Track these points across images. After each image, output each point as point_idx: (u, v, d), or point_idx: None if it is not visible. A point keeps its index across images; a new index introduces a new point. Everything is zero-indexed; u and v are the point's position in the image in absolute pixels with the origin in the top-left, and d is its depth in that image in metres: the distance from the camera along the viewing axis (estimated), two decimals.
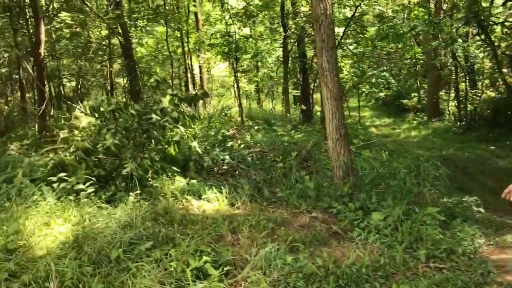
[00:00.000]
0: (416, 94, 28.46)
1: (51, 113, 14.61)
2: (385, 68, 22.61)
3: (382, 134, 21.64)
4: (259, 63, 21.16)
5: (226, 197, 6.00)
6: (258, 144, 8.95)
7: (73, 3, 12.25)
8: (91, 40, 14.43)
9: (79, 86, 19.25)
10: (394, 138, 20.10)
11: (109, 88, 15.18)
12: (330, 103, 6.50)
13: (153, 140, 7.04)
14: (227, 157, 8.15)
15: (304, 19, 14.92)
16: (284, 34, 13.34)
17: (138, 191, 5.90)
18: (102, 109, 6.93)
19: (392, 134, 22.02)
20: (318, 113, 18.36)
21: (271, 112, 19.15)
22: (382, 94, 25.65)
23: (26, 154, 8.40)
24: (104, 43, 14.84)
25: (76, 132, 8.84)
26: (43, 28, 11.15)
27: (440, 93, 25.07)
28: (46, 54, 13.38)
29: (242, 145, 9.10)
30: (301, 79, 16.80)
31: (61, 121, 12.15)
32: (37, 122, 11.45)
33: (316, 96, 20.73)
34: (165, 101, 6.90)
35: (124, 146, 6.78)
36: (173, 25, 16.10)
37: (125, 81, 17.35)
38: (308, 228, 5.35)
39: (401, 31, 14.52)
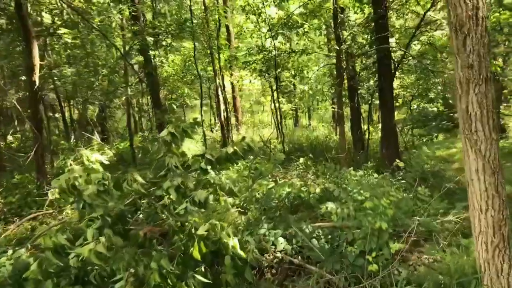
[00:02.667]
0: None
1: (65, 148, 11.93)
2: (437, 80, 19.31)
3: (441, 157, 18.22)
4: (297, 79, 18.15)
5: None
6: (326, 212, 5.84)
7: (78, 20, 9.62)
8: (99, 62, 11.70)
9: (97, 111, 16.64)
10: (458, 161, 16.67)
11: (127, 117, 12.32)
12: (483, 179, 3.41)
13: (164, 236, 4.11)
14: (283, 241, 5.13)
15: (356, 29, 11.84)
16: (338, 47, 10.25)
17: None
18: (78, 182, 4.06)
19: (451, 157, 18.55)
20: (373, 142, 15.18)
21: (317, 138, 16.07)
22: (434, 109, 22.23)
23: None
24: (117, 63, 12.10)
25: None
26: (36, 51, 8.45)
27: (501, 107, 21.42)
28: (44, 80, 10.75)
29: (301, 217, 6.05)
30: (351, 101, 13.68)
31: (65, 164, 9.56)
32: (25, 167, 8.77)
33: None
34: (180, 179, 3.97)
35: (117, 250, 3.87)
36: (202, 40, 13.29)
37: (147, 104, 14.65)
38: None
39: None
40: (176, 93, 18.37)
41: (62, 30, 8.33)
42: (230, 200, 6.58)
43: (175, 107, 18.62)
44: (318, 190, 5.64)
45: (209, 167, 4.48)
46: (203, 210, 4.08)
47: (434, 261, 4.53)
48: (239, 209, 6.36)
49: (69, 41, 8.67)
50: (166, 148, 4.37)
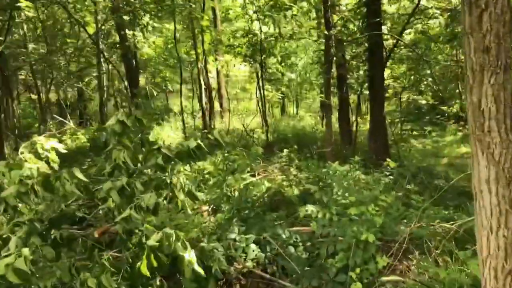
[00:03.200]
0: (458, 100, 24.28)
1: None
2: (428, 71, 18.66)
3: (429, 151, 17.65)
4: (283, 66, 17.41)
5: None
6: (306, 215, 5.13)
7: None
8: (67, 40, 10.69)
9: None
10: (447, 157, 16.14)
11: (99, 100, 11.44)
12: (495, 191, 2.74)
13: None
14: (255, 249, 4.44)
15: (347, 14, 11.12)
16: (327, 32, 9.53)
17: None
18: None
19: (439, 150, 17.99)
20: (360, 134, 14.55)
21: (303, 128, 15.39)
22: (423, 102, 21.65)
23: None
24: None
25: None
26: None
27: None
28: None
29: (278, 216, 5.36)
30: (340, 90, 13.01)
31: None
32: None
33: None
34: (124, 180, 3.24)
35: (47, 263, 3.15)
36: (184, 21, 12.46)
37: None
38: None
39: None
40: (158, 77, 17.47)
41: (23, 3, 7.44)
42: (201, 195, 5.87)
43: (154, 92, 17.70)
44: (296, 191, 4.91)
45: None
46: (152, 217, 3.37)
47: (428, 277, 3.88)
48: (208, 209, 5.65)
49: (30, 15, 7.75)
50: (115, 139, 3.62)
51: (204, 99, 14.12)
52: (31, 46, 10.55)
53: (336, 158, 10.63)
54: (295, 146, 11.45)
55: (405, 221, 4.68)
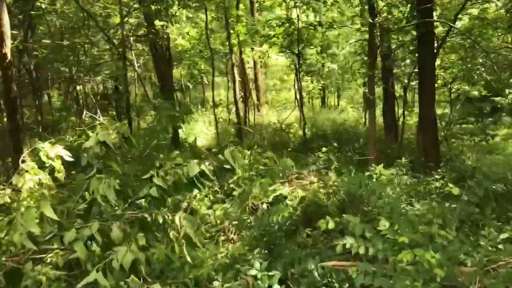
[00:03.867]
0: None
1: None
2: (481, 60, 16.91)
3: (482, 147, 16.01)
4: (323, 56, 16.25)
5: None
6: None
7: None
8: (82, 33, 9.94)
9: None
10: (503, 154, 14.52)
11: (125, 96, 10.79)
12: None
13: None
14: None
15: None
16: (371, 20, 8.41)
17: None
18: None
19: (493, 147, 16.28)
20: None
21: (345, 123, 14.27)
22: (475, 93, 19.83)
23: None
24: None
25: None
26: (5, 16, 6.98)
27: None
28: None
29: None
30: (385, 83, 11.84)
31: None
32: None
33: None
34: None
35: None
36: (217, 10, 11.64)
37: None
38: None
39: None
40: (194, 69, 16.73)
41: None
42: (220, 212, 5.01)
43: (190, 85, 17.08)
44: (331, 224, 3.95)
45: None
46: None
47: None
48: (227, 229, 4.79)
49: (43, 6, 7.09)
50: (99, 163, 2.80)
51: (239, 92, 13.32)
52: (45, 41, 10.00)
53: (380, 158, 9.58)
54: (335, 144, 10.47)
55: (468, 259, 3.62)
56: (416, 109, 18.30)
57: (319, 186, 7.19)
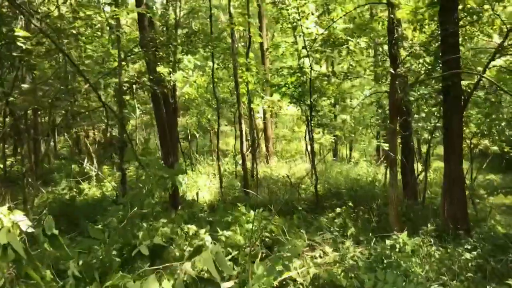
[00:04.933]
0: None
1: None
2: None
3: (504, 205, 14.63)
4: (338, 108, 15.35)
5: None
6: None
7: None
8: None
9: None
10: None
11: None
12: None
13: None
14: None
15: (418, 48, 9.05)
16: (392, 71, 7.51)
17: None
18: None
19: None
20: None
21: (359, 179, 13.14)
22: (496, 148, 18.59)
23: None
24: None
25: None
26: None
27: None
28: None
29: None
30: (403, 138, 10.83)
31: None
32: None
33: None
34: None
35: None
36: (222, 57, 10.95)
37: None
38: None
39: None
40: (202, 118, 15.98)
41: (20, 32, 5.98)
42: None
43: (197, 134, 16.28)
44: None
45: None
46: None
47: None
48: None
49: (24, 47, 6.29)
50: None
51: (246, 144, 12.41)
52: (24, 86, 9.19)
53: (402, 223, 8.40)
54: (350, 204, 9.36)
55: None
56: (434, 164, 17.25)
57: (335, 261, 6.04)
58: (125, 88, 9.09)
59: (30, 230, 3.97)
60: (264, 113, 17.40)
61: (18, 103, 9.19)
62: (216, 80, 12.73)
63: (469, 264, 6.64)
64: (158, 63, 9.14)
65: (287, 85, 10.92)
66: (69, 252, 3.00)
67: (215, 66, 11.98)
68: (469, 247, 7.13)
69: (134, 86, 9.74)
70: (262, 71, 14.02)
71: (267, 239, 6.20)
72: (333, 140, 16.77)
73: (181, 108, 16.65)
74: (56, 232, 2.32)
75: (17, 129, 9.65)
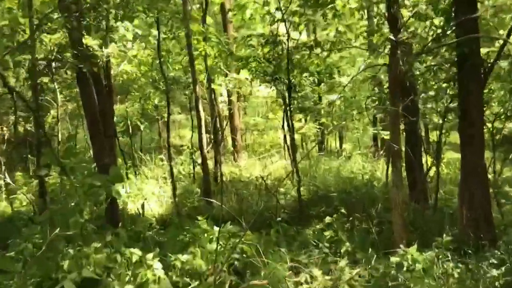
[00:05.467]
0: None
1: None
2: None
3: None
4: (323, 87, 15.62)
5: None
6: None
7: None
8: None
9: None
10: None
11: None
12: None
13: None
14: None
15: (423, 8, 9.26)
16: (392, 37, 7.59)
17: None
18: None
19: None
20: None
21: (353, 177, 13.35)
22: None
23: None
24: None
25: None
26: None
27: None
28: None
29: None
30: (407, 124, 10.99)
31: None
32: None
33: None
34: None
35: None
36: (171, 23, 11.01)
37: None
38: None
39: None
40: (146, 105, 16.03)
41: None
42: None
43: (141, 126, 16.29)
44: None
45: None
46: None
47: None
48: None
49: None
50: None
51: (207, 137, 12.47)
52: None
53: (410, 233, 8.53)
54: (342, 210, 9.49)
55: None
56: (448, 156, 17.70)
57: (325, 287, 6.09)
58: (41, 67, 8.94)
59: None
60: (229, 96, 17.70)
61: None
62: (163, 54, 12.78)
63: (496, 284, 6.83)
64: (85, 34, 9.03)
65: (257, 59, 11.06)
66: None
67: (162, 35, 11.92)
68: (495, 261, 7.31)
69: (53, 64, 9.59)
70: (224, 40, 14.13)
71: (237, 263, 6.24)
72: (319, 129, 17.07)
73: (118, 92, 16.60)
74: None
75: None
